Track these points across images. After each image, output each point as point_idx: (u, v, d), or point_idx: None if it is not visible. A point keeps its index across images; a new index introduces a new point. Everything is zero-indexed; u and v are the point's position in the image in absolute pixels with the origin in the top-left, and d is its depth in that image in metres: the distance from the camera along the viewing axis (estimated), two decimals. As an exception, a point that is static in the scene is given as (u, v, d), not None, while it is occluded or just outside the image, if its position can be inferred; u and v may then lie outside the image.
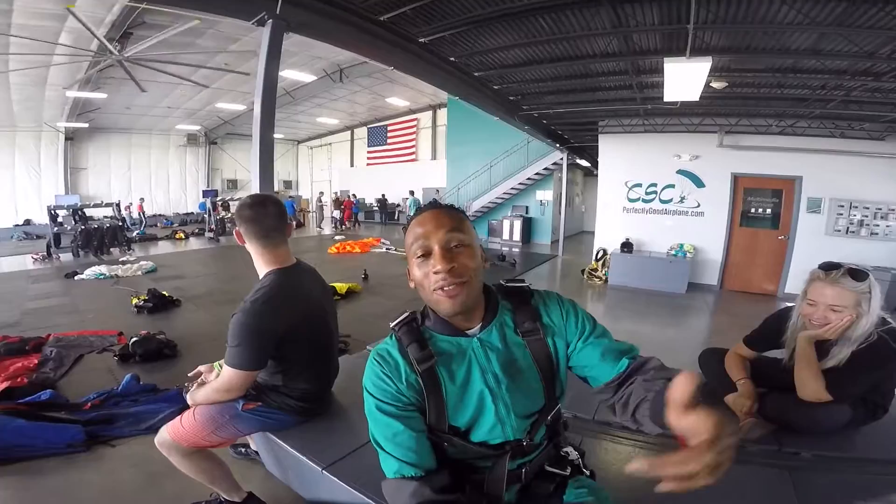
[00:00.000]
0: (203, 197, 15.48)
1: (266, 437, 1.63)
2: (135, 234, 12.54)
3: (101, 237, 9.33)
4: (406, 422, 0.91)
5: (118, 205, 11.16)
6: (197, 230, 14.26)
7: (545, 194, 13.49)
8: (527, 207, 13.66)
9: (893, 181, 6.29)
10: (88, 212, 10.04)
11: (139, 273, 7.25)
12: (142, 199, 16.45)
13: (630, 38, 4.34)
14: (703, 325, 5.71)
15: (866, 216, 6.42)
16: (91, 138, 16.71)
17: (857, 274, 1.47)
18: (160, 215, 18.08)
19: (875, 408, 1.53)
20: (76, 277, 6.82)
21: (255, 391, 1.57)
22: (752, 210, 7.30)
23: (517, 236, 13.06)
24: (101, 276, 6.86)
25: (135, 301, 5.04)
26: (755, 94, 5.57)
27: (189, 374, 1.68)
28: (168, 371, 3.32)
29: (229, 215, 13.17)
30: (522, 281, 1.03)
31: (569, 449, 1.08)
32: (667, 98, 4.67)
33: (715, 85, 4.95)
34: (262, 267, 1.57)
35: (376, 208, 19.22)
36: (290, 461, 1.56)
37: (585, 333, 0.97)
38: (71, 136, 15.99)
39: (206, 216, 13.80)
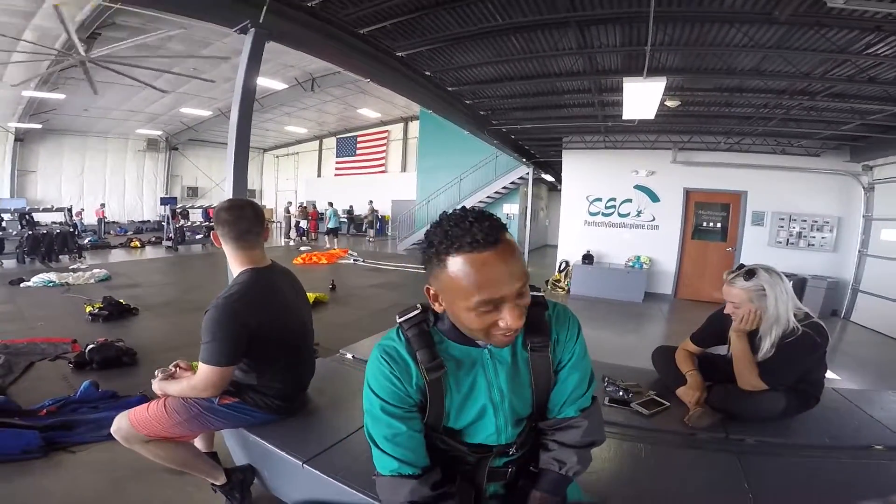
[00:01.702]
0: (161, 204, 14.82)
1: (242, 434, 1.62)
2: (86, 241, 11.86)
3: (50, 243, 8.79)
4: (409, 423, 0.90)
5: (70, 210, 10.57)
6: (154, 238, 13.67)
7: (512, 208, 13.81)
8: (495, 221, 13.89)
9: (828, 195, 6.91)
10: (37, 216, 9.47)
11: (92, 281, 6.87)
12: (102, 205, 15.58)
13: (594, 58, 4.62)
14: (659, 331, 6.04)
15: (804, 228, 6.99)
16: (43, 140, 15.77)
17: (747, 275, 1.69)
18: (114, 222, 17.12)
19: (807, 397, 1.70)
20: (22, 285, 6.40)
21: (234, 387, 1.56)
22: (703, 224, 7.79)
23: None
24: (51, 284, 6.47)
25: (89, 309, 4.81)
26: (705, 112, 6.00)
27: (160, 370, 1.65)
28: (128, 378, 3.20)
29: (189, 223, 12.75)
30: (539, 290, 0.94)
31: None
32: (626, 116, 4.94)
33: (669, 104, 5.30)
34: (237, 267, 1.60)
35: (344, 219, 19.01)
36: (267, 457, 1.55)
37: (572, 361, 0.98)
38: (21, 138, 15.05)
39: (164, 224, 13.25)
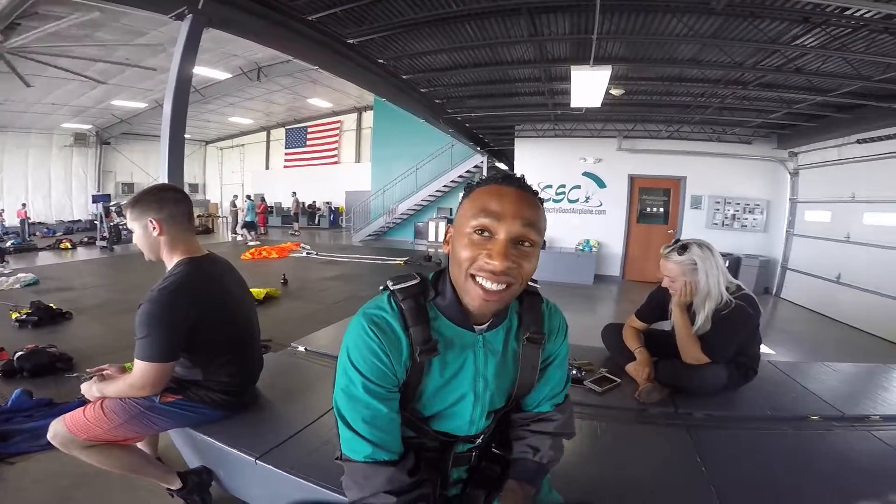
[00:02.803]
0: (93, 202, 13.64)
1: (189, 434, 1.54)
2: (9, 244, 10.77)
3: (-37, 246, 7.90)
4: (389, 404, 0.82)
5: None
6: (87, 238, 12.62)
7: (467, 196, 13.88)
8: (451, 209, 13.96)
9: (758, 180, 7.46)
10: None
11: (17, 286, 6.26)
12: (23, 205, 14.13)
13: (544, 47, 4.70)
14: (609, 311, 6.32)
15: (738, 211, 7.52)
16: (-47, 138, 14.04)
17: (681, 249, 1.78)
18: (40, 223, 15.57)
19: (747, 370, 1.81)
20: (-67, 293, 5.72)
21: (176, 384, 1.48)
22: (647, 209, 8.20)
23: (442, 237, 13.26)
24: (-33, 291, 5.82)
25: (15, 315, 4.42)
26: (648, 101, 6.27)
27: (89, 370, 1.54)
28: (64, 385, 2.96)
29: (125, 222, 11.81)
30: (536, 282, 0.92)
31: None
32: (573, 103, 5.09)
33: (614, 92, 5.49)
34: (175, 256, 1.50)
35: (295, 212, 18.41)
36: (219, 457, 1.49)
37: (558, 360, 0.98)
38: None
39: (96, 223, 12.26)
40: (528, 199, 0.77)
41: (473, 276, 0.77)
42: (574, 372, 1.92)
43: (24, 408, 2.49)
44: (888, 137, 5.14)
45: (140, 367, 1.34)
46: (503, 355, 0.90)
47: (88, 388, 1.48)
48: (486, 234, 0.76)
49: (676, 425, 1.59)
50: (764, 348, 1.92)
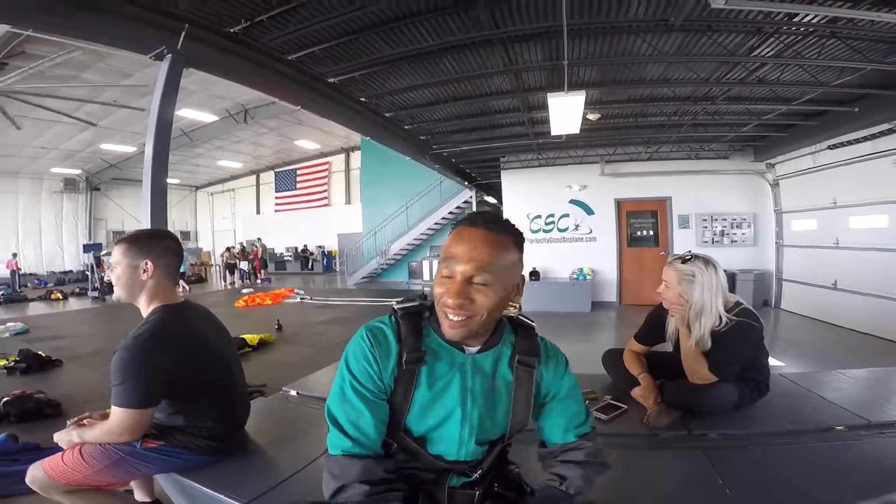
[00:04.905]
0: (84, 252, 13.50)
1: (174, 479, 1.49)
2: (-1, 294, 10.64)
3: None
4: (374, 410, 0.89)
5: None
6: (78, 290, 12.47)
7: (458, 232, 13.94)
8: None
9: (741, 194, 7.57)
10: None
11: (6, 335, 6.25)
12: (14, 255, 13.94)
13: (520, 76, 4.85)
14: (608, 336, 6.19)
15: (725, 226, 7.59)
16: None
17: (684, 260, 1.77)
18: (31, 274, 15.36)
19: (759, 385, 1.76)
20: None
21: (158, 430, 1.45)
22: (637, 232, 8.24)
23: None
24: (-44, 343, 5.68)
25: (3, 363, 4.50)
26: (624, 123, 6.45)
27: (69, 421, 1.51)
28: (52, 430, 2.79)
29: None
30: (532, 320, 1.02)
31: (511, 466, 1.10)
32: (553, 131, 5.20)
33: (591, 117, 5.63)
34: (153, 303, 1.48)
35: (289, 258, 18.36)
36: (206, 502, 1.42)
37: (566, 389, 1.01)
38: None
39: (87, 273, 12.16)
40: (486, 239, 0.85)
41: (443, 309, 0.88)
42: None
43: (11, 451, 2.51)
44: (857, 141, 5.29)
45: (117, 413, 1.31)
46: (492, 380, 0.95)
47: (63, 436, 1.46)
48: (448, 275, 0.86)
49: (691, 448, 1.51)
50: (773, 361, 1.88)
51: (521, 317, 1.01)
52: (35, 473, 1.41)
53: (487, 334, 0.95)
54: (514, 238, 0.89)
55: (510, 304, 0.94)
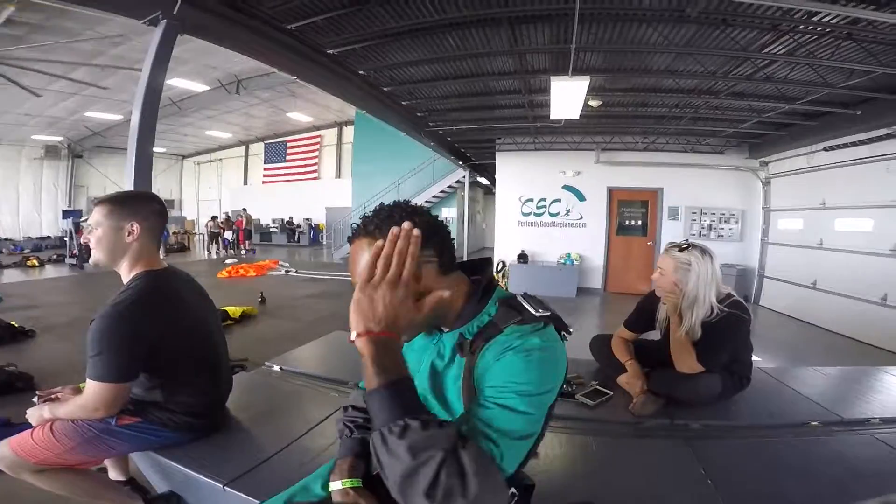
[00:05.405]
0: (64, 218, 13.09)
1: (152, 458, 1.44)
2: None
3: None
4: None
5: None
6: (55, 256, 12.09)
7: (450, 212, 13.88)
8: (433, 224, 13.93)
9: (732, 189, 7.64)
10: None
11: None
12: None
13: (524, 58, 4.73)
14: (594, 322, 6.32)
15: (714, 221, 7.67)
16: None
17: (681, 247, 1.78)
18: (7, 239, 14.88)
19: (741, 378, 1.79)
20: None
21: (134, 406, 1.37)
22: (626, 221, 8.30)
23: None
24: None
25: None
26: (624, 112, 6.39)
27: (39, 392, 1.43)
28: (23, 404, 2.70)
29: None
30: (533, 305, 0.86)
31: None
32: (553, 116, 5.13)
33: (592, 103, 5.56)
34: (136, 268, 1.39)
35: (275, 229, 18.11)
36: (186, 482, 1.39)
37: (487, 375, 0.76)
38: None
39: (66, 240, 11.79)
40: (359, 252, 0.79)
41: None
42: (564, 386, 1.84)
43: (-23, 427, 2.35)
44: (853, 144, 5.33)
45: (92, 388, 1.23)
46: (447, 365, 0.89)
47: (34, 413, 1.38)
48: None
49: (674, 437, 1.55)
50: (752, 356, 1.88)
51: (526, 297, 0.87)
52: (2, 451, 1.33)
53: (455, 313, 0.85)
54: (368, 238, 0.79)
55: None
